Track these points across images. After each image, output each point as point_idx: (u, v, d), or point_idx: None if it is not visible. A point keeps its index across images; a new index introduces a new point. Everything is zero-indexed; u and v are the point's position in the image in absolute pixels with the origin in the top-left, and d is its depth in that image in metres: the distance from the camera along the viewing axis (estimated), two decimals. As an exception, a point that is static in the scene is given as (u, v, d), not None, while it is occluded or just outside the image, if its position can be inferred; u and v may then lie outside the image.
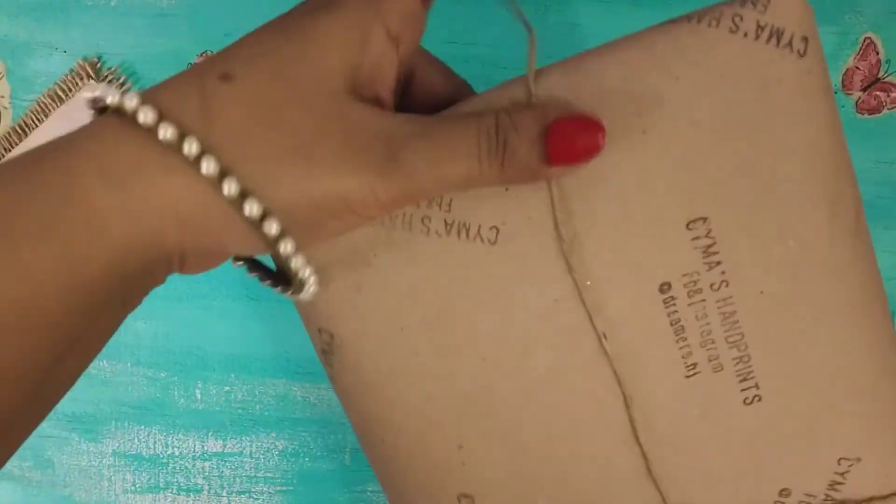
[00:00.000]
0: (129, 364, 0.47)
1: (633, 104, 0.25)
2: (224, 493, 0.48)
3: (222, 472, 0.47)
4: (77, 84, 0.45)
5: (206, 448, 0.47)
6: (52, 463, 0.48)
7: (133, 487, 0.48)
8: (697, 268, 0.26)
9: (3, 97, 0.46)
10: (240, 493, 0.47)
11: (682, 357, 0.27)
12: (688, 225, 0.26)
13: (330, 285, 0.28)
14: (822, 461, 0.28)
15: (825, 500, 0.29)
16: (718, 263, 0.26)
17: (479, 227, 0.26)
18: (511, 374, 0.27)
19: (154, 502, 0.48)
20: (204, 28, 0.45)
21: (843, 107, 0.44)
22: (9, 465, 0.48)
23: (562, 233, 0.26)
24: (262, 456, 0.47)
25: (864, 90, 0.44)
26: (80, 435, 0.48)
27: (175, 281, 0.46)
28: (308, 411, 0.47)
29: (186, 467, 0.47)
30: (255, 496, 0.47)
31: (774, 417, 0.27)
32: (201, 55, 0.45)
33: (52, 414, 0.48)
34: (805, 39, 0.25)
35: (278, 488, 0.47)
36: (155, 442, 0.48)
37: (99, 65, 0.45)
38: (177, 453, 0.47)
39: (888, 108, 0.44)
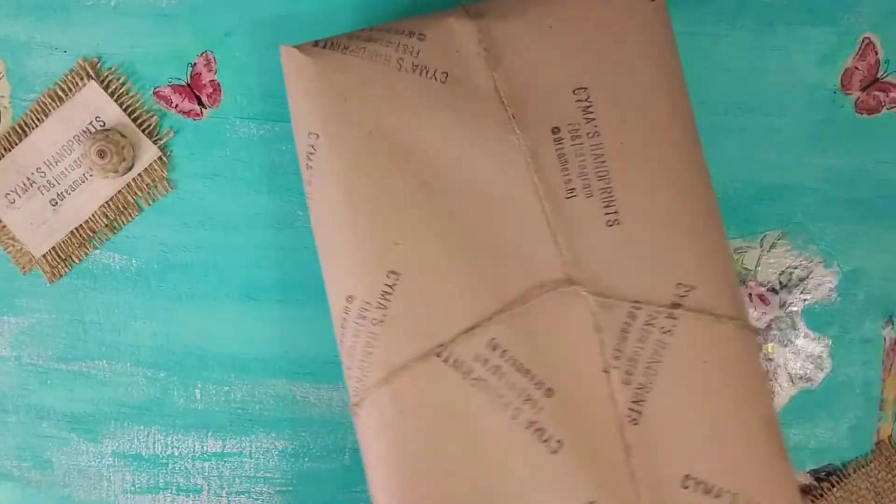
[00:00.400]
0: (128, 364, 0.47)
1: (547, 11, 0.37)
2: (224, 494, 0.48)
3: (222, 472, 0.47)
4: (77, 84, 0.45)
5: (205, 448, 0.47)
6: (51, 463, 0.48)
7: (132, 488, 0.48)
8: (579, 121, 0.36)
9: (3, 97, 0.46)
10: (239, 493, 0.47)
11: (565, 182, 0.36)
12: (574, 90, 0.37)
13: (326, 94, 0.37)
14: (666, 282, 0.35)
15: (668, 317, 0.35)
16: (593, 119, 0.36)
17: (436, 70, 0.37)
18: (446, 171, 0.36)
19: (154, 502, 0.48)
20: (204, 28, 0.45)
21: (842, 107, 0.44)
22: (8, 465, 0.48)
23: (493, 88, 0.37)
24: (261, 456, 0.47)
25: (863, 90, 0.44)
26: (80, 435, 0.48)
27: (175, 281, 0.46)
28: (308, 411, 0.47)
29: (186, 467, 0.47)
30: (254, 496, 0.47)
31: (629, 239, 0.36)
32: (201, 55, 0.45)
33: (51, 414, 0.48)
34: None
35: (278, 488, 0.47)
36: (154, 442, 0.48)
37: (99, 65, 0.45)
38: (176, 453, 0.47)
39: (887, 108, 0.44)
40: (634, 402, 0.35)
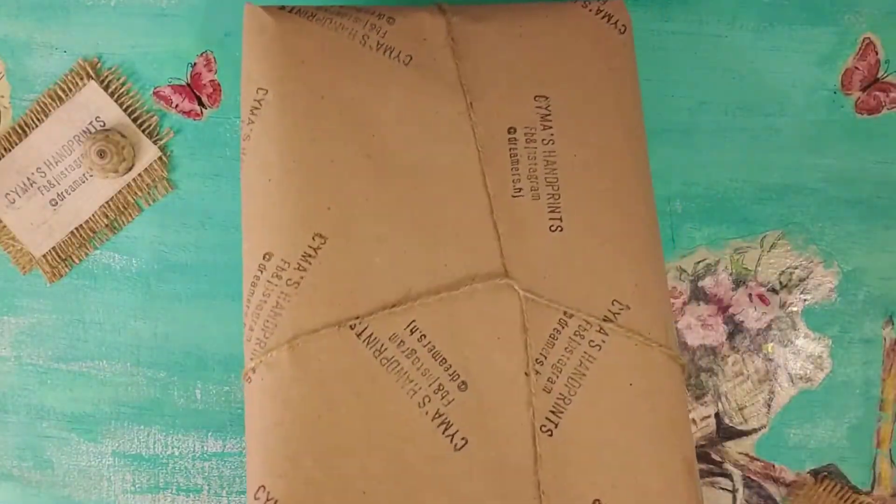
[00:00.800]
0: (128, 364, 0.47)
1: (518, 22, 0.38)
2: (224, 493, 0.48)
3: (222, 472, 0.47)
4: (77, 84, 0.45)
5: (205, 448, 0.47)
6: (51, 463, 0.48)
7: (133, 488, 0.48)
8: (536, 126, 0.37)
9: (3, 97, 0.46)
10: (240, 493, 0.47)
11: (513, 181, 0.36)
12: (535, 97, 0.37)
13: (283, 54, 0.36)
14: (602, 297, 0.35)
15: (598, 331, 0.34)
16: (550, 127, 0.37)
17: (400, 52, 0.37)
18: (395, 149, 0.36)
19: (154, 502, 0.48)
20: (204, 28, 0.45)
21: (842, 107, 0.44)
22: (8, 464, 0.48)
23: (455, 77, 0.37)
24: (261, 456, 0.47)
25: (863, 90, 0.44)
26: (80, 435, 0.48)
27: (175, 281, 0.46)
28: (308, 411, 0.47)
29: (186, 467, 0.47)
30: (254, 496, 0.47)
31: (570, 248, 0.35)
32: (201, 55, 0.45)
33: (51, 414, 0.48)
34: (624, 26, 0.39)
35: (278, 488, 0.47)
36: (155, 442, 0.48)
37: (99, 65, 0.45)
38: (176, 453, 0.47)
39: (887, 108, 0.44)
40: (552, 411, 0.33)
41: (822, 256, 0.45)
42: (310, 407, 0.33)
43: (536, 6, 0.39)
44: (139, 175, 0.45)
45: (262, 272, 0.35)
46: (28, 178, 0.45)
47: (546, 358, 0.34)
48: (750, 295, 0.45)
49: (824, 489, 0.45)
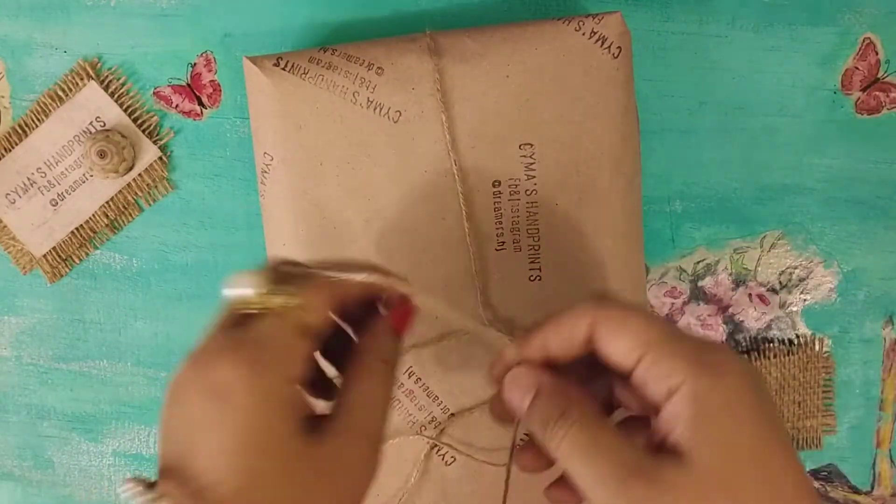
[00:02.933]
0: (129, 364, 0.47)
1: (506, 58, 0.38)
2: (224, 493, 0.48)
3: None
4: (77, 84, 0.45)
5: (206, 448, 0.47)
6: (52, 463, 0.48)
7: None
8: (520, 176, 0.39)
9: (3, 97, 0.46)
10: (240, 492, 0.47)
11: (497, 235, 0.39)
12: (520, 146, 0.38)
13: (282, 119, 0.39)
14: None
15: None
16: (534, 177, 0.39)
17: (389, 108, 0.39)
18: (388, 209, 0.39)
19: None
20: (204, 28, 0.45)
21: (842, 107, 0.44)
22: (9, 464, 0.48)
23: (443, 133, 0.38)
24: (262, 456, 0.47)
25: (863, 90, 0.44)
26: (80, 435, 0.48)
27: (175, 281, 0.46)
28: (308, 411, 0.47)
29: (186, 467, 0.48)
30: (255, 496, 0.47)
31: (548, 296, 0.39)
32: (201, 55, 0.45)
33: (52, 414, 0.48)
34: (619, 48, 0.38)
35: (278, 488, 0.47)
36: (155, 442, 0.48)
37: (99, 65, 0.45)
38: (177, 453, 0.47)
39: (887, 109, 0.44)
40: (526, 434, 0.37)
41: (822, 256, 0.45)
42: None
43: (527, 33, 0.38)
44: (139, 175, 0.45)
45: None
46: (28, 179, 0.45)
47: None
48: (750, 295, 0.45)
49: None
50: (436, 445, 0.40)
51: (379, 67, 0.38)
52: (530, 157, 0.38)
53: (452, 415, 0.40)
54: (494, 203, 0.39)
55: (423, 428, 0.40)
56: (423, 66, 0.38)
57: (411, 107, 0.38)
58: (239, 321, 0.27)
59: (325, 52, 0.39)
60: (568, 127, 0.38)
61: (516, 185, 0.39)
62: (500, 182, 0.39)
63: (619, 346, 0.26)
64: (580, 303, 0.28)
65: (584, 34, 0.38)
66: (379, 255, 0.39)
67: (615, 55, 0.38)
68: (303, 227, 0.40)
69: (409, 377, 0.40)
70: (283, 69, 0.39)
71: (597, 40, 0.38)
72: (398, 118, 0.38)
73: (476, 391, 0.40)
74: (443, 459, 0.41)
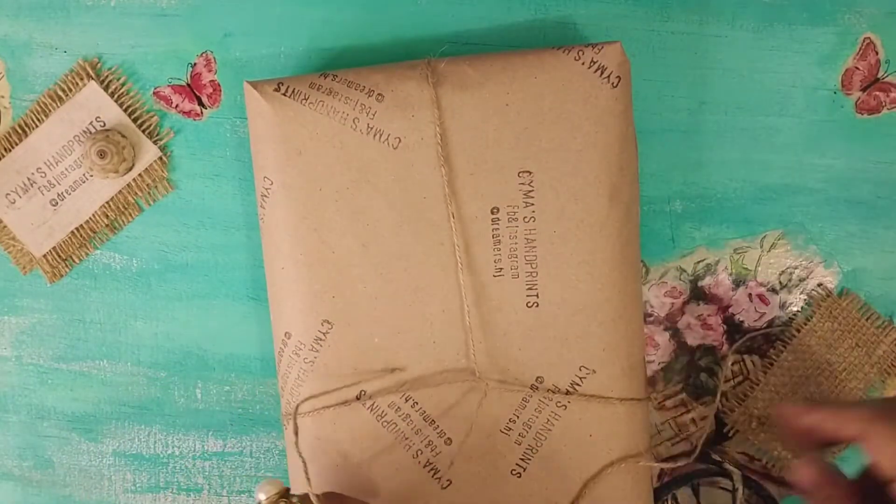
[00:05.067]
0: (129, 364, 0.47)
1: (506, 87, 0.39)
2: (224, 493, 0.48)
3: (222, 471, 0.47)
4: (77, 84, 0.45)
5: (206, 448, 0.47)
6: (52, 463, 0.48)
7: (133, 487, 0.48)
8: (518, 203, 0.39)
9: (3, 97, 0.46)
10: (240, 492, 0.48)
11: (495, 261, 0.40)
12: (519, 173, 0.39)
13: (283, 144, 0.39)
14: (570, 364, 0.40)
15: (566, 394, 0.40)
16: (532, 204, 0.39)
17: (389, 135, 0.39)
18: (386, 237, 0.40)
19: (154, 502, 0.48)
20: (204, 28, 0.45)
21: (842, 107, 0.44)
22: (9, 464, 0.48)
23: (440, 155, 0.39)
24: (262, 455, 0.47)
25: (863, 90, 0.44)
26: (80, 435, 0.48)
27: (175, 281, 0.46)
28: (308, 411, 0.47)
29: (186, 467, 0.48)
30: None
31: (544, 322, 0.40)
32: (201, 55, 0.45)
33: (52, 414, 0.48)
34: (619, 77, 0.39)
35: (278, 488, 0.47)
36: (155, 442, 0.48)
37: (99, 65, 0.45)
38: (177, 453, 0.47)
39: (887, 109, 0.44)
40: (521, 458, 0.40)
41: (822, 256, 0.45)
42: (329, 457, 0.41)
43: (527, 62, 0.39)
44: (139, 175, 0.45)
45: (284, 347, 0.41)
46: (28, 178, 0.45)
47: (518, 417, 0.40)
48: (750, 295, 0.45)
49: (848, 303, 0.45)
50: (432, 469, 0.41)
51: (379, 94, 0.39)
52: (529, 184, 0.39)
53: (449, 440, 0.41)
54: (493, 229, 0.39)
55: (419, 452, 0.41)
56: (422, 93, 0.38)
57: (411, 133, 0.39)
58: None
59: (325, 77, 0.39)
60: (567, 155, 0.39)
61: (515, 212, 0.39)
62: (498, 209, 0.39)
63: (887, 460, 0.31)
64: (860, 406, 0.34)
65: (583, 63, 0.38)
66: (376, 279, 0.40)
67: (614, 84, 0.38)
68: (301, 251, 0.40)
69: (407, 402, 0.41)
70: (284, 94, 0.39)
71: (596, 70, 0.38)
72: (398, 144, 0.39)
73: (472, 417, 0.40)
74: (439, 483, 0.41)
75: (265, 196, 0.41)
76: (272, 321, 0.42)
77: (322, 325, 0.40)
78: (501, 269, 0.39)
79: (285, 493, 0.36)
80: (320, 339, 0.40)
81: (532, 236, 0.39)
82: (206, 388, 0.47)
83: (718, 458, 0.45)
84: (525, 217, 0.39)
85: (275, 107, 0.39)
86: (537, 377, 0.40)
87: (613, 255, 0.40)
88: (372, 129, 0.39)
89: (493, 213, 0.39)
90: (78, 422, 0.48)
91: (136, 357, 0.47)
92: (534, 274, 0.39)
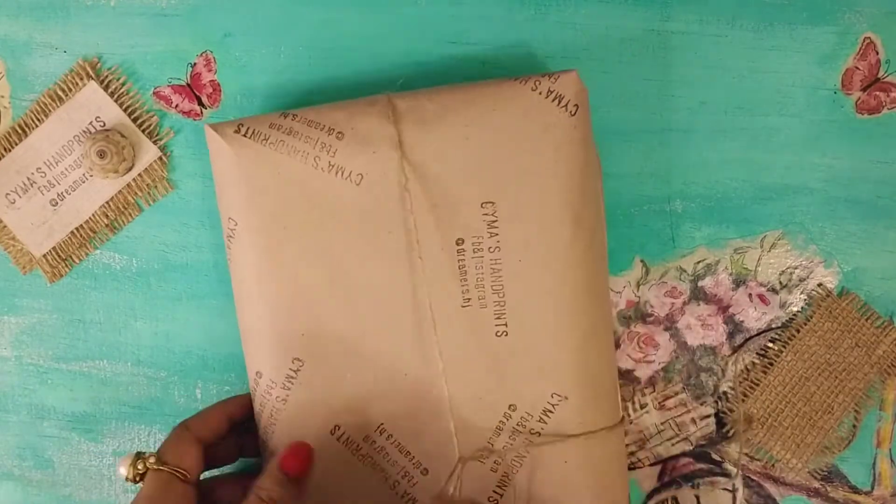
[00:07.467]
0: (129, 364, 0.47)
1: (465, 119, 0.39)
2: (224, 493, 0.48)
3: (222, 471, 0.47)
4: (77, 84, 0.45)
5: (206, 448, 0.47)
6: (52, 463, 0.48)
7: (134, 487, 0.48)
8: (482, 234, 0.39)
9: (3, 97, 0.46)
10: (240, 492, 0.47)
11: (462, 292, 0.40)
12: (482, 204, 0.39)
13: (245, 185, 0.39)
14: (542, 391, 0.40)
15: (539, 421, 0.40)
16: (496, 234, 0.39)
17: (351, 171, 0.39)
18: (351, 272, 0.40)
19: (154, 502, 0.48)
20: (204, 28, 0.45)
21: (842, 107, 0.44)
22: (9, 464, 0.48)
23: (405, 194, 0.39)
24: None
25: (863, 90, 0.44)
26: (80, 435, 0.48)
27: (175, 281, 0.46)
28: (308, 411, 0.47)
29: (186, 467, 0.48)
30: (255, 496, 0.47)
31: (514, 350, 0.40)
32: (201, 55, 0.45)
33: (52, 414, 0.48)
34: (577, 105, 0.39)
35: (278, 488, 0.47)
36: (155, 442, 0.48)
37: (99, 65, 0.45)
38: (177, 453, 0.47)
39: (888, 108, 0.44)
40: (498, 485, 0.41)
41: (823, 256, 0.45)
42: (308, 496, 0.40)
43: (485, 94, 0.39)
44: (139, 175, 0.45)
45: (256, 385, 0.42)
46: (28, 178, 0.45)
47: (493, 445, 0.40)
48: (750, 295, 0.45)
49: (848, 303, 0.45)
50: (409, 500, 0.41)
51: (339, 132, 0.39)
52: (493, 214, 0.39)
53: (426, 469, 0.41)
54: (459, 260, 0.39)
55: (395, 483, 0.41)
56: (383, 129, 0.39)
57: (373, 170, 0.39)
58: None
59: (285, 117, 0.39)
60: (529, 185, 0.39)
61: (480, 243, 0.39)
62: (463, 240, 0.39)
63: None
64: None
65: (540, 93, 0.39)
66: (345, 314, 0.40)
67: (572, 113, 0.39)
68: (268, 290, 0.40)
69: (381, 434, 0.41)
70: (244, 136, 0.39)
71: (553, 99, 0.39)
72: (360, 181, 0.39)
73: (448, 451, 0.40)
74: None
75: (231, 237, 0.41)
76: (244, 352, 0.42)
77: (293, 362, 0.40)
78: (469, 299, 0.40)
79: (139, 456, 0.39)
80: (291, 377, 0.40)
81: (498, 266, 0.39)
82: (206, 388, 0.47)
83: (718, 458, 0.45)
84: (490, 247, 0.39)
85: (235, 148, 0.39)
86: (510, 405, 0.40)
87: (580, 280, 0.40)
88: (334, 166, 0.39)
89: (458, 244, 0.39)
90: (78, 422, 0.48)
91: (136, 357, 0.47)
92: (501, 303, 0.40)
